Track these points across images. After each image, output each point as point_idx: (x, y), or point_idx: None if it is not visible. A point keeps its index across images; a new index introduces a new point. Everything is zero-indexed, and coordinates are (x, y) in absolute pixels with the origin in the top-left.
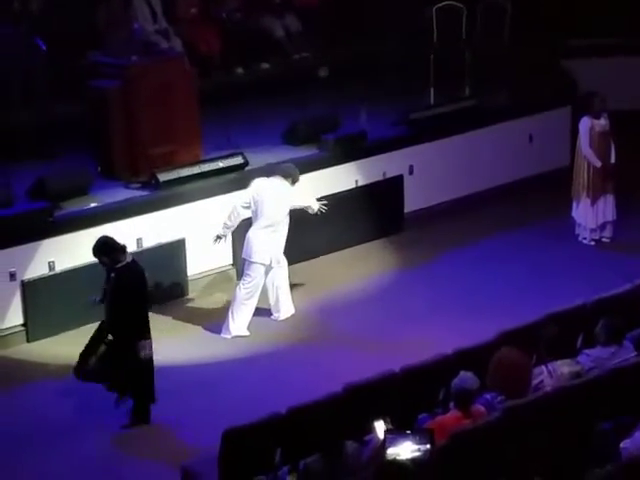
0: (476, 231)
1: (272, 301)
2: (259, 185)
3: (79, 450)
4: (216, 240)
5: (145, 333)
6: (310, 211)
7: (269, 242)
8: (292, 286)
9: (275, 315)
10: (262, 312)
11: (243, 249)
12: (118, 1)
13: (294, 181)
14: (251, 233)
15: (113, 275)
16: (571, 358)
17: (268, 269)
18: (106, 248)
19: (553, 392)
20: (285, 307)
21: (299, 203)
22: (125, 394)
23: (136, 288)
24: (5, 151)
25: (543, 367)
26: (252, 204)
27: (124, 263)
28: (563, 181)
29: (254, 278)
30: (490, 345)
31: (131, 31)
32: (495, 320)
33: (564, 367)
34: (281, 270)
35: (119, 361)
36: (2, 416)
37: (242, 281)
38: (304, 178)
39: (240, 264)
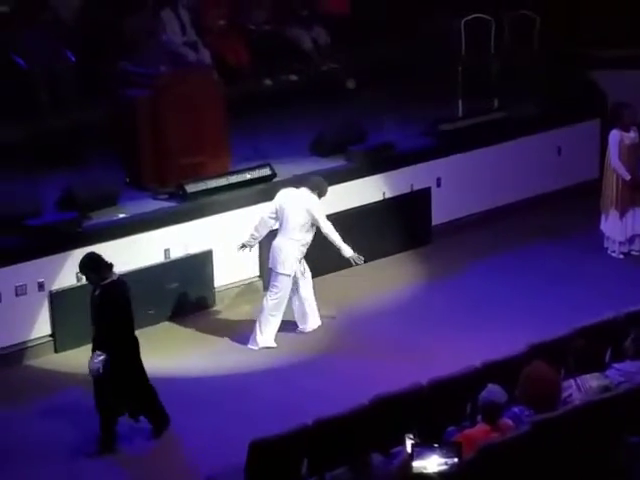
0: (504, 244)
1: (298, 313)
2: (285, 195)
3: (109, 459)
4: (241, 248)
5: (114, 348)
6: (338, 249)
7: (294, 253)
8: (318, 298)
9: (301, 327)
10: (288, 324)
11: (269, 259)
12: (147, 12)
13: (320, 195)
14: (276, 243)
15: (98, 292)
16: (600, 372)
17: (294, 280)
18: (93, 264)
19: (581, 406)
20: (311, 319)
21: (332, 237)
22: (130, 411)
23: (121, 305)
24: (34, 159)
25: (572, 381)
26: (277, 214)
27: (110, 280)
28: (592, 194)
29: (281, 289)
30: (518, 358)
31: (160, 42)
32: (523, 333)
33: (593, 381)
34: (306, 282)
35: (115, 379)
36: (30, 425)
37: (269, 292)
38: (331, 190)
39: (267, 275)
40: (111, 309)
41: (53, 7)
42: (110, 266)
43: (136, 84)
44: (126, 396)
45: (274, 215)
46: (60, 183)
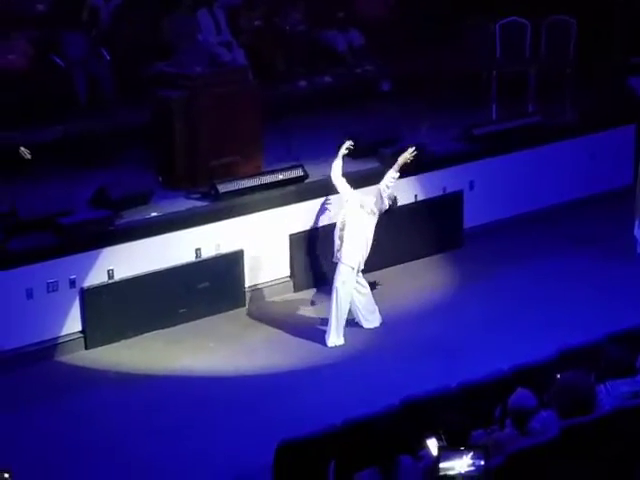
0: (536, 248)
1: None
2: None
3: (136, 452)
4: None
5: None
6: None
7: None
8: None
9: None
10: (324, 322)
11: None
12: (183, 12)
13: None
14: None
15: None
16: (631, 377)
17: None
18: None
19: (611, 411)
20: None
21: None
22: None
23: None
24: (69, 158)
25: (602, 386)
26: None
27: None
28: (626, 199)
29: None
30: (549, 362)
31: (195, 42)
32: (553, 337)
33: (623, 386)
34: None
35: None
36: (59, 423)
37: None
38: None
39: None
40: None
41: (91, 7)
42: None
43: (171, 84)
44: None
45: None
46: (94, 182)
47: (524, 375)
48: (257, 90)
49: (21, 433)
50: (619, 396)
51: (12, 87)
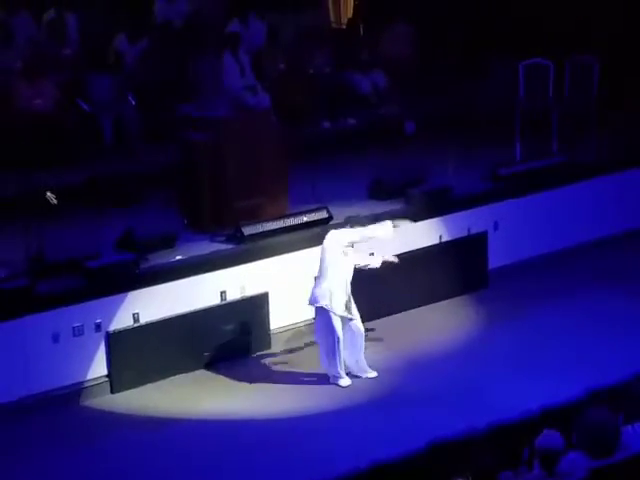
0: (562, 288)
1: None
2: None
3: None
4: None
5: None
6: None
7: None
8: (375, 340)
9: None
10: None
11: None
12: (208, 56)
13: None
14: None
15: None
16: None
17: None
18: None
19: None
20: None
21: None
22: None
23: None
24: (94, 201)
25: (630, 427)
26: None
27: None
28: None
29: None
30: (577, 403)
31: (220, 86)
32: (582, 378)
33: None
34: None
35: None
36: (85, 468)
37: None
38: None
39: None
40: None
41: (116, 51)
42: None
43: (196, 128)
44: None
45: None
46: (119, 225)
47: (552, 415)
48: (281, 133)
49: (47, 478)
50: None
51: (39, 131)
